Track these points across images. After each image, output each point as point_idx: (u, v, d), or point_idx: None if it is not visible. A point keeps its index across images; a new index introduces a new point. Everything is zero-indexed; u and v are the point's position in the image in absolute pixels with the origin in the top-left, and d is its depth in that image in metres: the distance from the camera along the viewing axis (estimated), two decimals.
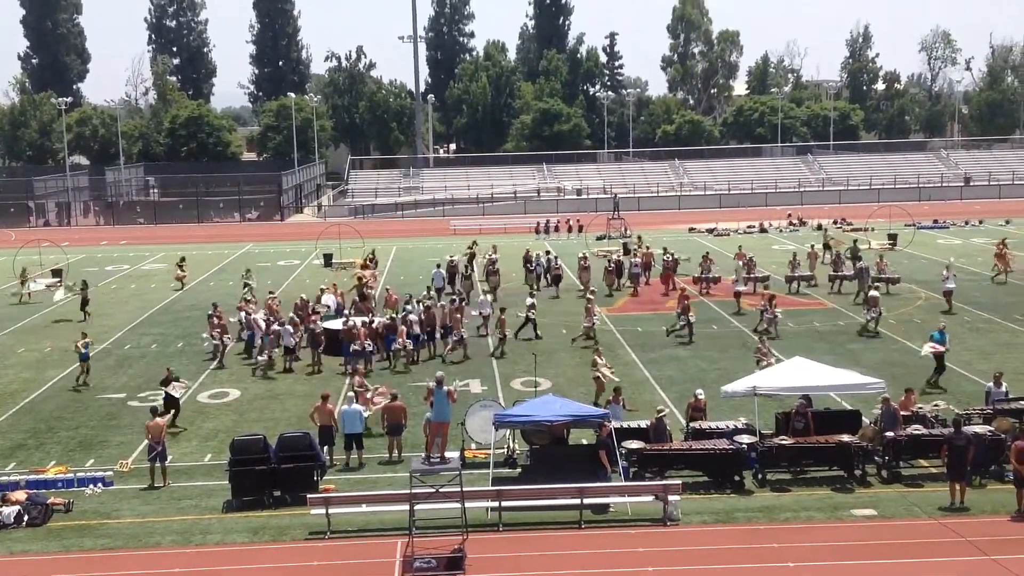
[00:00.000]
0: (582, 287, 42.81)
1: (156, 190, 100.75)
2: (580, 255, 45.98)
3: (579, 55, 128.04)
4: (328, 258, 54.76)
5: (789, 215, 71.29)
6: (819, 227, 64.25)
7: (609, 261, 46.18)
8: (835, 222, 68.30)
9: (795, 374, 22.74)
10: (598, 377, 27.54)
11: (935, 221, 68.22)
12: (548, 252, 46.96)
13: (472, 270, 45.38)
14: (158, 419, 22.04)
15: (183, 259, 50.29)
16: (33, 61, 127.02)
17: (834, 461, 21.46)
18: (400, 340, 31.42)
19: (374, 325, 32.13)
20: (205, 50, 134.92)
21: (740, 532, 18.82)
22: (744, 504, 20.11)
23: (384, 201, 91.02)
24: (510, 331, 33.88)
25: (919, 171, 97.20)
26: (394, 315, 33.83)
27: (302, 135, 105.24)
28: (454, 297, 37.61)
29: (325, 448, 22.37)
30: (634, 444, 21.36)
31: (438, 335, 32.96)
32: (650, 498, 19.76)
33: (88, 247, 66.24)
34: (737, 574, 17.36)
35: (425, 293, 37.82)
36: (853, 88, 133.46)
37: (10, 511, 19.79)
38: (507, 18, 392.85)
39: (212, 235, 73.60)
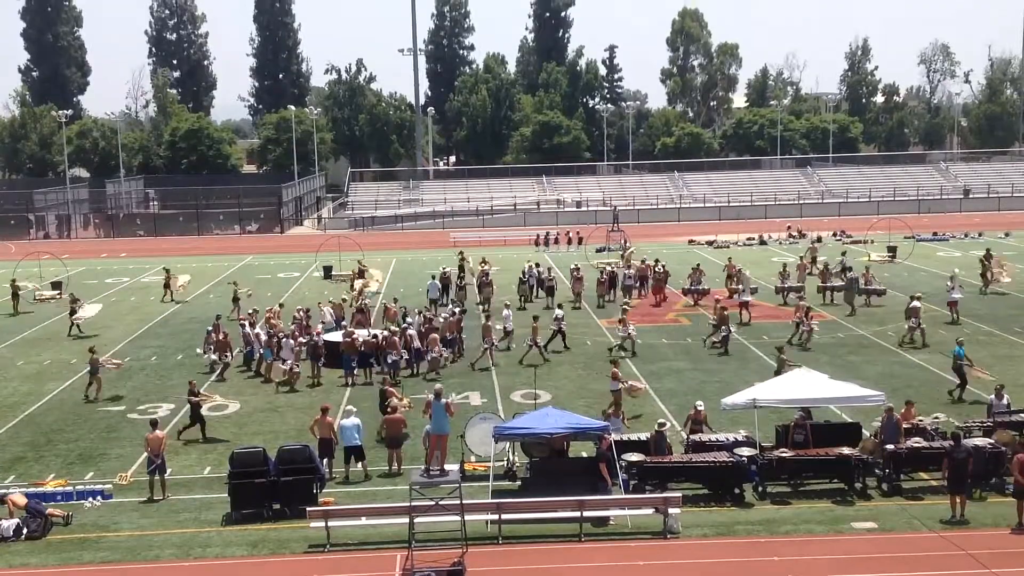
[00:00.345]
0: (574, 297, 43.62)
1: (156, 202, 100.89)
2: (572, 266, 46.74)
3: (579, 68, 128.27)
4: (328, 270, 54.79)
5: (789, 227, 71.37)
6: (818, 239, 64.27)
7: (602, 273, 46.39)
8: (835, 234, 68.42)
9: (795, 386, 22.72)
10: (620, 390, 27.24)
11: (935, 233, 68.30)
12: (537, 264, 47.07)
13: (465, 279, 46.22)
14: (157, 432, 22.00)
15: (168, 271, 50.00)
16: (34, 74, 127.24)
17: (834, 474, 21.43)
18: (396, 353, 31.45)
19: (377, 337, 32.17)
20: (205, 63, 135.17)
21: (740, 545, 18.78)
22: (744, 517, 20.07)
23: (384, 213, 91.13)
24: (542, 338, 33.93)
25: (918, 183, 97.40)
26: (394, 328, 33.84)
27: (302, 147, 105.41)
28: (454, 310, 37.64)
29: (325, 461, 22.33)
30: (634, 457, 21.33)
31: (437, 350, 32.73)
32: (650, 511, 19.71)
33: (88, 259, 66.24)
34: None
35: (426, 305, 38.00)
36: (852, 101, 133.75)
37: (9, 524, 19.75)
38: (507, 31, 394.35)
39: (212, 247, 73.65)
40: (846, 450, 21.40)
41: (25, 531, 19.74)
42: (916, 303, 35.43)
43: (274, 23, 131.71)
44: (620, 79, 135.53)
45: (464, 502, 18.61)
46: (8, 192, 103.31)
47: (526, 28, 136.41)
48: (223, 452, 23.66)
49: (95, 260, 66.41)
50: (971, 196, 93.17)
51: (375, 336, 32.30)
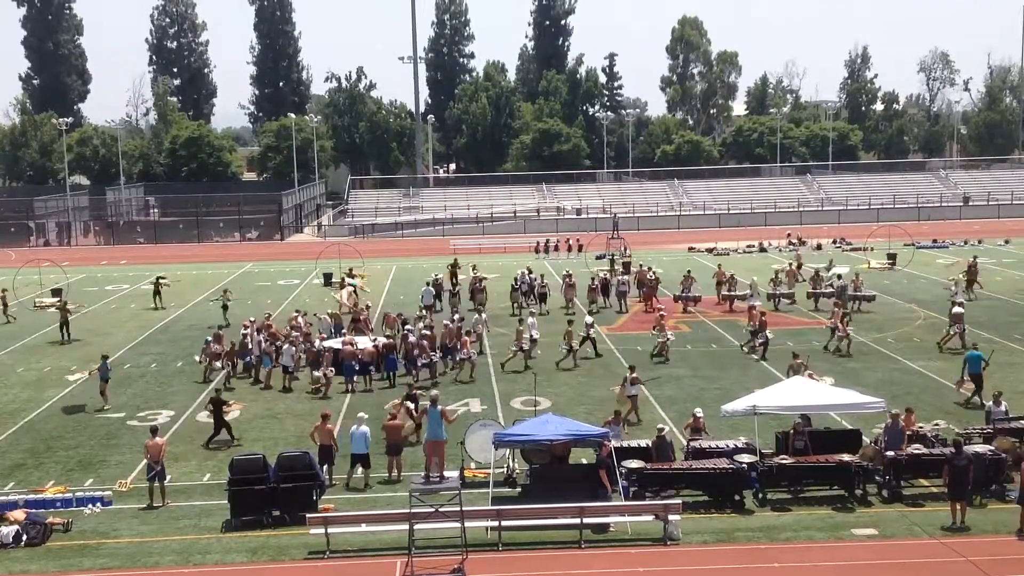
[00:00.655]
0: (566, 303, 43.99)
1: (156, 210, 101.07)
2: (565, 272, 46.92)
3: (579, 76, 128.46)
4: (328, 277, 54.81)
5: (788, 235, 71.40)
6: (818, 247, 64.23)
7: (593, 279, 46.45)
8: (835, 242, 68.49)
9: (795, 393, 22.75)
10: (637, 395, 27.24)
11: (934, 241, 68.37)
12: (530, 271, 47.01)
13: (459, 285, 46.48)
14: (157, 438, 22.00)
15: (159, 279, 50.01)
16: (34, 82, 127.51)
17: (835, 480, 21.41)
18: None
19: (377, 344, 32.17)
20: (206, 71, 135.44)
21: (741, 552, 18.76)
22: (744, 524, 20.05)
23: (384, 221, 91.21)
24: (576, 343, 33.95)
25: (918, 191, 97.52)
26: (393, 334, 33.89)
27: (302, 155, 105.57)
28: (454, 317, 37.65)
29: (324, 468, 22.30)
30: (634, 463, 21.33)
31: (436, 357, 32.72)
32: (650, 518, 19.69)
33: (88, 267, 66.29)
34: None
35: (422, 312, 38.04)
36: (852, 108, 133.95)
37: (9, 530, 19.73)
38: (507, 39, 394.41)
39: (212, 255, 73.69)
40: (846, 457, 21.37)
41: (25, 538, 19.72)
42: (958, 308, 35.89)
43: (274, 31, 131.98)
44: (620, 87, 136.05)
45: (464, 509, 18.60)
46: (8, 200, 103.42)
47: (526, 36, 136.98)
48: (223, 459, 23.67)
49: (95, 267, 66.43)
50: (971, 203, 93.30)
51: (376, 343, 32.33)
